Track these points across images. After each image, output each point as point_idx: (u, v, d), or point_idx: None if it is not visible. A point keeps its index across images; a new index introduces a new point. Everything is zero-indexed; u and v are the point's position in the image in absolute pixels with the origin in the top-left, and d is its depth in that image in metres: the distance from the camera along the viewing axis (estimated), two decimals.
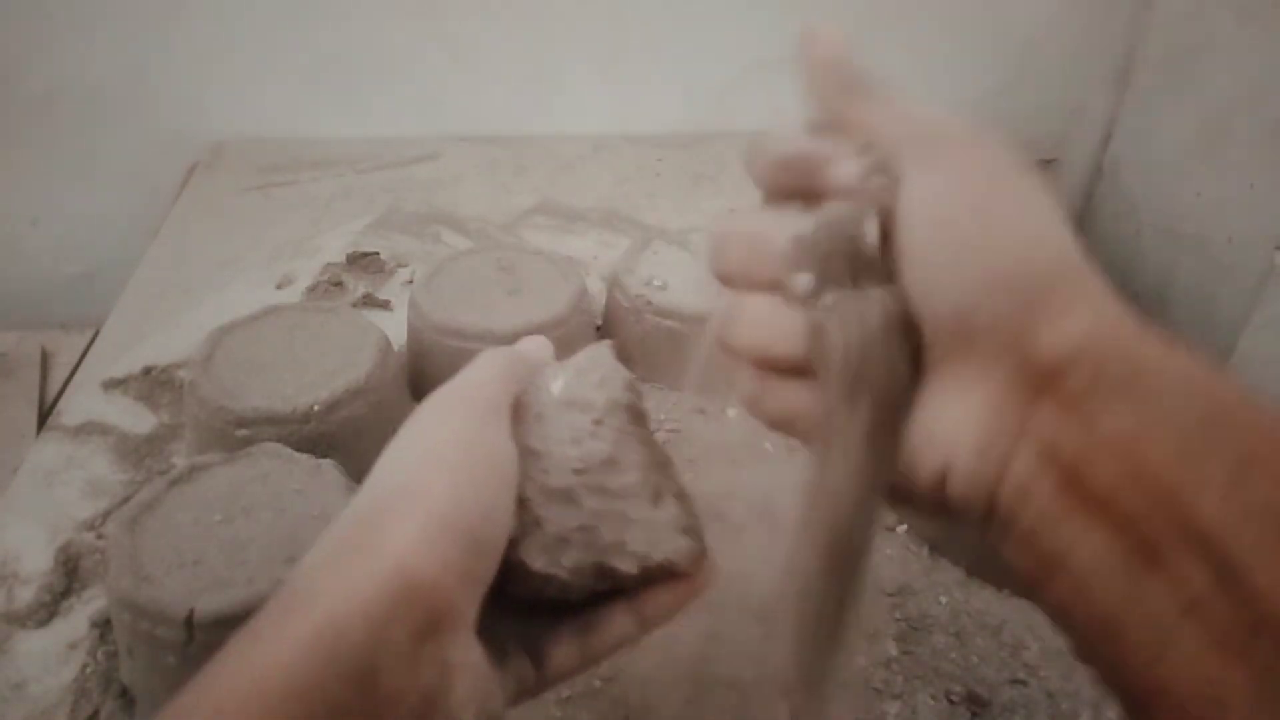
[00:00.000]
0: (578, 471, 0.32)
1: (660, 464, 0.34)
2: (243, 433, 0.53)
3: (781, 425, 0.29)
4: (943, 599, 0.52)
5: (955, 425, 0.25)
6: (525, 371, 0.35)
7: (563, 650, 0.33)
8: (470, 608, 0.28)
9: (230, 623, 0.40)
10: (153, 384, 0.67)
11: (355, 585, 0.26)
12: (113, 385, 0.66)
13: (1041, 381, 0.23)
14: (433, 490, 0.28)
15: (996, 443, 0.24)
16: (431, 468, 0.29)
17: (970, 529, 0.26)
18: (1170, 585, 0.21)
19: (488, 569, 0.28)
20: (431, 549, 0.27)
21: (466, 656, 0.27)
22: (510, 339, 0.39)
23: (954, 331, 0.25)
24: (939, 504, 0.26)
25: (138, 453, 0.61)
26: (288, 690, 0.24)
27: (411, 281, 0.78)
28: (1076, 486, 0.22)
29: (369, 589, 0.26)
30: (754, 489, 0.59)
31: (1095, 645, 0.23)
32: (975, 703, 0.47)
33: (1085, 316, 0.24)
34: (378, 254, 0.81)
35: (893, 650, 0.50)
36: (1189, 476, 0.21)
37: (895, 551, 0.55)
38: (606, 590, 0.33)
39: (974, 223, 0.24)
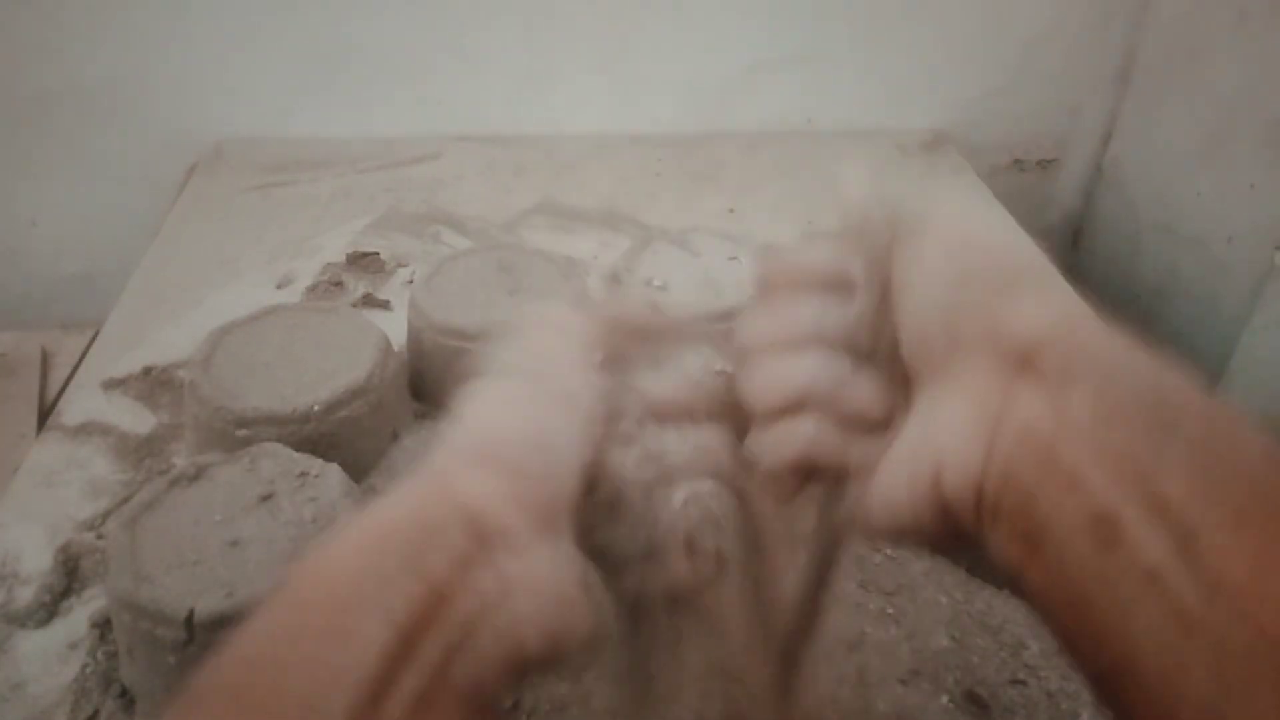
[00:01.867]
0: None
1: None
2: (243, 433, 0.53)
3: None
4: (943, 599, 0.52)
5: (946, 422, 0.27)
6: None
7: None
8: (532, 529, 0.28)
9: (230, 623, 0.40)
10: (153, 384, 0.67)
11: (405, 497, 0.28)
12: (113, 385, 0.66)
13: (1018, 364, 0.26)
14: (481, 424, 0.30)
15: (981, 431, 0.26)
16: (489, 406, 0.30)
17: (965, 539, 0.27)
18: (1132, 557, 0.22)
19: (549, 494, 0.29)
20: (473, 474, 0.28)
21: (532, 574, 0.27)
22: None
23: (940, 333, 0.28)
24: (936, 518, 0.27)
25: (138, 453, 0.61)
26: (342, 564, 0.26)
27: (411, 281, 0.78)
28: (1050, 464, 0.24)
29: (417, 500, 0.28)
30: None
31: (1070, 628, 0.24)
32: (975, 703, 0.47)
33: (1053, 305, 0.27)
34: (378, 254, 0.81)
35: (892, 650, 0.49)
36: (1153, 453, 0.23)
37: (895, 552, 0.55)
38: None
39: (952, 252, 0.29)
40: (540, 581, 0.28)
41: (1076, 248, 1.17)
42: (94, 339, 0.75)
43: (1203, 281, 0.95)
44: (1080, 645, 0.24)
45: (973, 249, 0.29)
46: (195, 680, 0.24)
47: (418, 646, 0.24)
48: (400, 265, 0.80)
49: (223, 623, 0.40)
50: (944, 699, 0.47)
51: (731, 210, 0.91)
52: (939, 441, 0.27)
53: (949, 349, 0.28)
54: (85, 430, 0.62)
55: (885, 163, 1.00)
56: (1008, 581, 0.53)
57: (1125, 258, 1.07)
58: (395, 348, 0.61)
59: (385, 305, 0.75)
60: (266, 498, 0.46)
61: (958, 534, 0.27)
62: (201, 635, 0.40)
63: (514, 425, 0.30)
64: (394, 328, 0.64)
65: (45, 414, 0.75)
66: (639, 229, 0.87)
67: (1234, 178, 0.91)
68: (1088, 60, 1.04)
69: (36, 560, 0.53)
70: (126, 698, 0.46)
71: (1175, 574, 0.21)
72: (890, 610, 0.52)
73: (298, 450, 0.50)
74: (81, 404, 0.65)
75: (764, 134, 1.04)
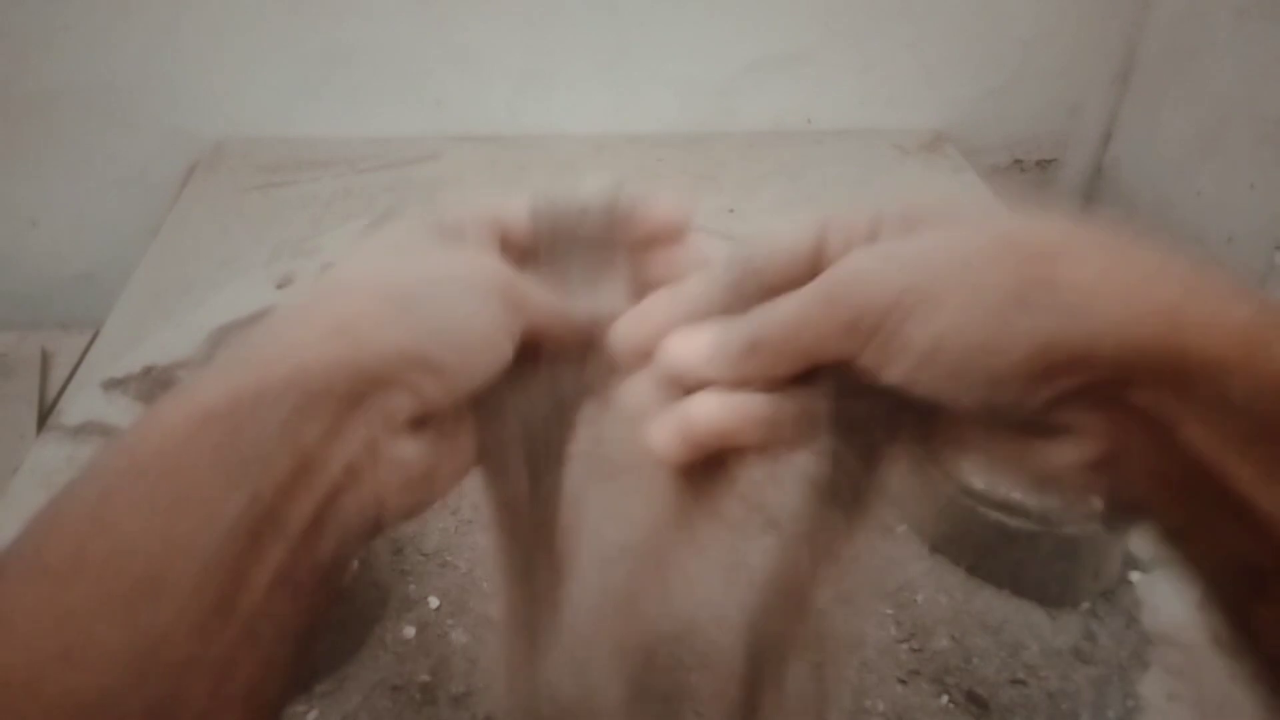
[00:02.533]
0: None
1: None
2: None
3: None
4: (943, 599, 0.52)
5: (1067, 468, 0.24)
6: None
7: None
8: (420, 389, 0.26)
9: None
10: (153, 384, 0.66)
11: (271, 350, 0.25)
12: (113, 385, 0.66)
13: (1118, 405, 0.22)
14: (383, 264, 0.27)
15: (1119, 464, 0.23)
16: (389, 260, 0.28)
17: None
18: None
19: (456, 359, 0.26)
20: (363, 323, 0.25)
21: (397, 442, 0.26)
22: None
23: (1006, 402, 0.23)
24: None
25: None
26: (207, 414, 0.23)
27: None
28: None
29: (297, 350, 0.24)
30: (753, 489, 0.59)
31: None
32: (975, 703, 0.47)
33: (1119, 317, 0.22)
34: None
35: (892, 650, 0.49)
36: (1274, 499, 0.20)
37: (895, 551, 0.55)
38: None
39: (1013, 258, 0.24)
40: (409, 450, 0.26)
41: None
42: (94, 339, 0.75)
43: None
44: None
45: (1044, 256, 0.23)
46: (14, 544, 0.22)
47: (280, 518, 0.22)
48: None
49: None
50: (944, 699, 0.47)
51: (731, 210, 0.91)
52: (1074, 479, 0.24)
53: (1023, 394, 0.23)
54: (85, 430, 0.62)
55: (885, 162, 1.01)
56: (1009, 582, 0.53)
57: None
58: None
59: None
60: None
61: None
62: None
63: (426, 271, 0.27)
64: None
65: (45, 414, 0.75)
66: None
67: (1233, 178, 0.91)
68: (1088, 60, 1.04)
69: None
70: None
71: None
72: (890, 610, 0.52)
73: None
74: (81, 404, 0.65)
75: (764, 134, 1.04)
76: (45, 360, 0.82)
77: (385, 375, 0.25)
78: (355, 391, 0.24)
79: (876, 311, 0.24)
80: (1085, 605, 0.51)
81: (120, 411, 0.64)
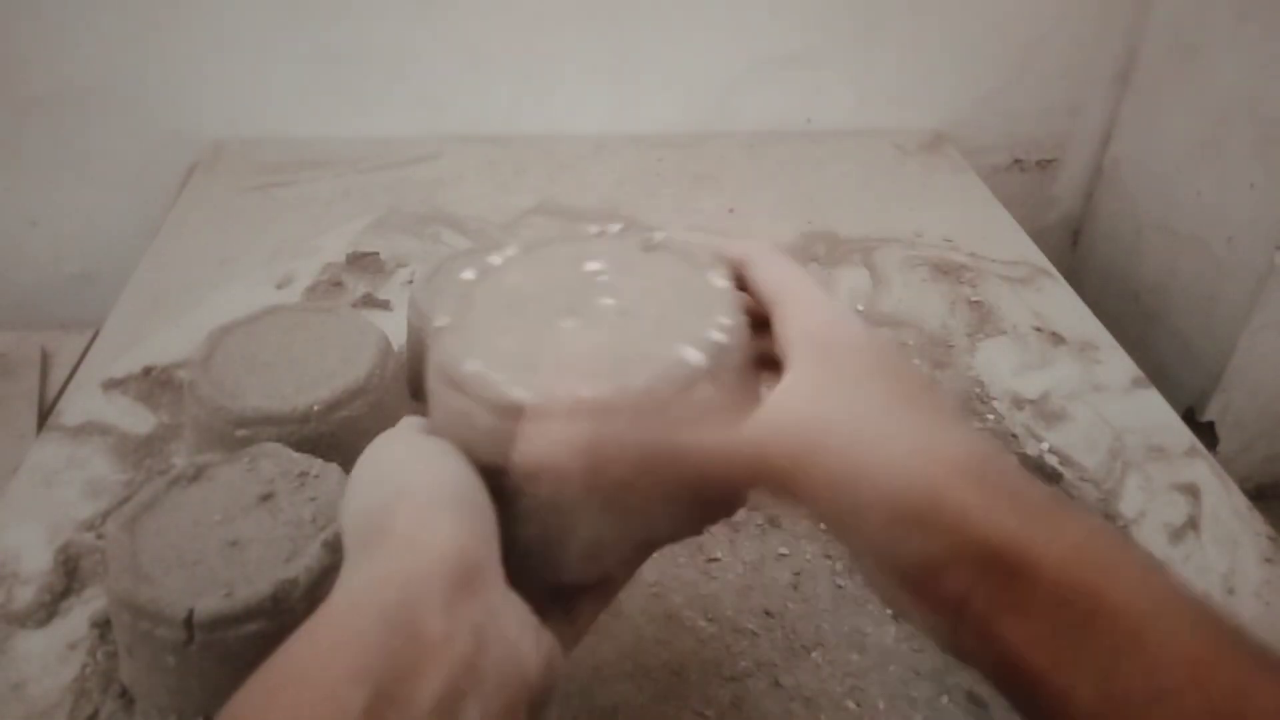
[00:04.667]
0: None
1: None
2: (242, 433, 0.53)
3: None
4: None
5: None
6: None
7: (585, 600, 0.35)
8: (494, 560, 0.29)
9: (230, 623, 0.40)
10: (153, 384, 0.67)
11: (379, 566, 0.28)
12: (113, 385, 0.66)
13: (956, 599, 0.27)
14: (424, 478, 0.30)
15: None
16: (411, 468, 0.31)
17: None
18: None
19: (492, 527, 0.30)
20: (445, 517, 0.28)
21: (508, 600, 0.29)
22: None
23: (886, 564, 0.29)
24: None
25: (137, 453, 0.61)
26: (335, 641, 0.25)
27: (411, 281, 0.78)
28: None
29: (392, 565, 0.27)
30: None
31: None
32: (975, 703, 0.47)
33: (976, 520, 0.26)
34: (378, 254, 0.81)
35: (893, 650, 0.50)
36: (1065, 680, 0.24)
37: None
38: None
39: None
40: (511, 618, 0.28)
41: (1076, 247, 1.17)
42: (94, 339, 0.75)
43: (1203, 281, 0.95)
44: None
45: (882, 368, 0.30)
46: None
47: (396, 700, 0.24)
48: (400, 265, 0.80)
49: (222, 623, 0.40)
50: (944, 699, 0.47)
51: (731, 210, 0.91)
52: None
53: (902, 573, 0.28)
54: (85, 430, 0.62)
55: (885, 162, 1.01)
56: None
57: (1125, 257, 1.07)
58: (395, 348, 0.61)
59: (385, 305, 0.74)
60: (266, 498, 0.46)
61: None
62: (201, 635, 0.40)
63: (445, 470, 0.30)
64: (394, 328, 0.64)
65: (45, 414, 0.75)
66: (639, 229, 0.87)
67: (1234, 178, 0.91)
68: (1088, 60, 1.04)
69: (36, 560, 0.53)
70: (126, 698, 0.46)
71: None
72: (890, 610, 0.52)
73: (298, 450, 0.50)
74: (81, 404, 0.65)
75: (764, 134, 1.04)
76: (45, 360, 0.82)
77: (473, 560, 0.28)
78: (460, 579, 0.27)
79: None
80: None
81: (120, 411, 0.64)
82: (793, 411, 0.30)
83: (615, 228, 0.39)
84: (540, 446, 0.30)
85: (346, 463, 0.50)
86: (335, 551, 0.43)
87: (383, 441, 0.33)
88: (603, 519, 0.31)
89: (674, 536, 0.35)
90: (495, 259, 0.37)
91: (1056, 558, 0.25)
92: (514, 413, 0.30)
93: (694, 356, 0.31)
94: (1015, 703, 0.27)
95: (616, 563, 0.35)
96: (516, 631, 0.28)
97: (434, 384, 0.33)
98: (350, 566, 0.29)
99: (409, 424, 0.34)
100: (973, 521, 0.26)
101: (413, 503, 0.29)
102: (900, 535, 0.27)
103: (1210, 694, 0.22)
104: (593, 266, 0.36)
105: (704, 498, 0.33)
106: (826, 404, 0.29)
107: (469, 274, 0.36)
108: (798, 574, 0.53)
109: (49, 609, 0.50)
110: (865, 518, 0.27)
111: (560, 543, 0.32)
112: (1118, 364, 0.72)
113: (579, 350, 0.32)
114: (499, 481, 0.31)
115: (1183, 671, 0.23)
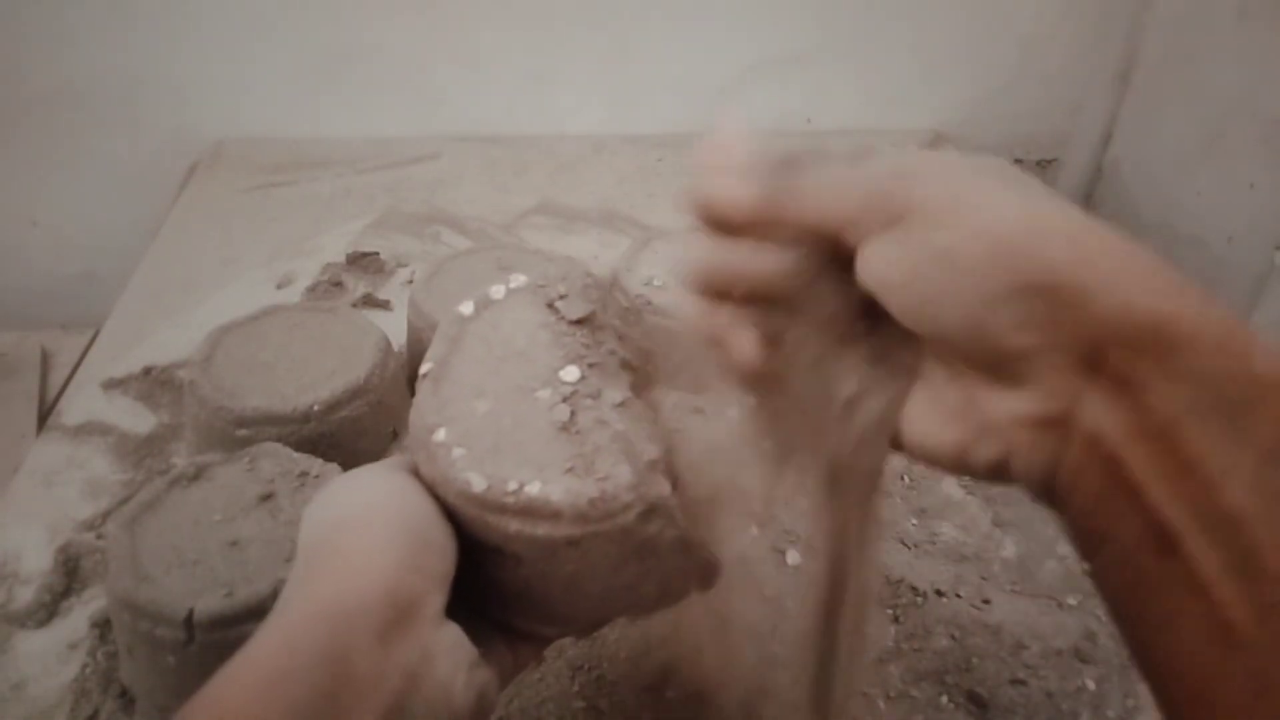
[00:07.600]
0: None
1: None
2: (243, 433, 0.53)
3: (757, 370, 0.32)
4: (943, 599, 0.52)
5: (1011, 419, 0.26)
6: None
7: (530, 640, 0.35)
8: (436, 597, 0.30)
9: (230, 623, 0.40)
10: (153, 384, 0.67)
11: (318, 592, 0.29)
12: (113, 385, 0.66)
13: (1087, 366, 0.24)
14: (383, 509, 0.31)
15: (1047, 437, 0.25)
16: (374, 497, 0.32)
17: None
18: (1185, 568, 0.22)
19: (446, 565, 0.31)
20: (391, 549, 0.29)
21: (443, 637, 0.29)
22: None
23: (976, 347, 0.25)
24: (1000, 480, 0.27)
25: (138, 453, 0.61)
26: (266, 679, 0.26)
27: (411, 281, 0.78)
28: (1115, 476, 0.23)
29: (330, 594, 0.28)
30: (754, 488, 0.59)
31: (1122, 623, 0.24)
32: (975, 703, 0.47)
33: (1119, 290, 0.24)
34: (378, 254, 0.81)
35: (893, 650, 0.50)
36: (1220, 462, 0.22)
37: (896, 550, 0.55)
38: None
39: (944, 257, 0.25)
40: (453, 642, 0.29)
41: None
42: (94, 339, 0.75)
43: (1203, 281, 0.95)
44: (1131, 641, 0.24)
45: (1030, 260, 0.24)
46: None
47: None
48: (400, 265, 0.80)
49: (222, 623, 0.40)
50: (944, 699, 0.47)
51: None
52: (1004, 439, 0.26)
53: (1001, 340, 0.25)
54: (85, 430, 0.62)
55: None
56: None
57: None
58: (395, 348, 0.61)
59: (385, 305, 0.75)
60: (266, 498, 0.46)
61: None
62: (201, 635, 0.40)
63: (406, 505, 0.31)
64: (394, 328, 0.64)
65: (45, 414, 0.75)
66: (638, 229, 0.87)
67: (1234, 177, 0.91)
68: (1088, 60, 1.04)
69: (36, 560, 0.53)
70: (126, 698, 0.46)
71: (1227, 589, 0.21)
72: (890, 610, 0.52)
73: (298, 450, 0.50)
74: (81, 404, 0.65)
75: (764, 134, 1.04)
76: (45, 360, 0.82)
77: (409, 594, 0.29)
78: (393, 615, 0.28)
79: (900, 204, 0.26)
80: (1085, 604, 0.51)
81: (120, 411, 0.64)
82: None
83: (520, 280, 0.37)
84: (499, 529, 0.31)
85: (346, 463, 0.50)
86: None
87: (358, 470, 0.34)
88: (566, 591, 0.32)
89: (639, 612, 0.35)
90: (497, 291, 0.36)
91: (1216, 330, 0.23)
92: (472, 499, 0.30)
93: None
94: (1125, 537, 0.23)
95: (579, 625, 0.35)
96: (449, 670, 0.29)
97: (413, 430, 0.33)
98: (293, 583, 0.30)
99: (392, 462, 0.34)
100: (1124, 287, 0.24)
101: (365, 528, 0.30)
102: (1035, 308, 0.24)
103: None
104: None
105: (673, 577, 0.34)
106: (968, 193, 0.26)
107: (466, 308, 0.36)
108: (798, 573, 0.53)
109: (49, 609, 0.50)
110: (983, 287, 0.24)
111: (521, 596, 0.33)
112: None
113: (541, 436, 0.32)
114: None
115: None
